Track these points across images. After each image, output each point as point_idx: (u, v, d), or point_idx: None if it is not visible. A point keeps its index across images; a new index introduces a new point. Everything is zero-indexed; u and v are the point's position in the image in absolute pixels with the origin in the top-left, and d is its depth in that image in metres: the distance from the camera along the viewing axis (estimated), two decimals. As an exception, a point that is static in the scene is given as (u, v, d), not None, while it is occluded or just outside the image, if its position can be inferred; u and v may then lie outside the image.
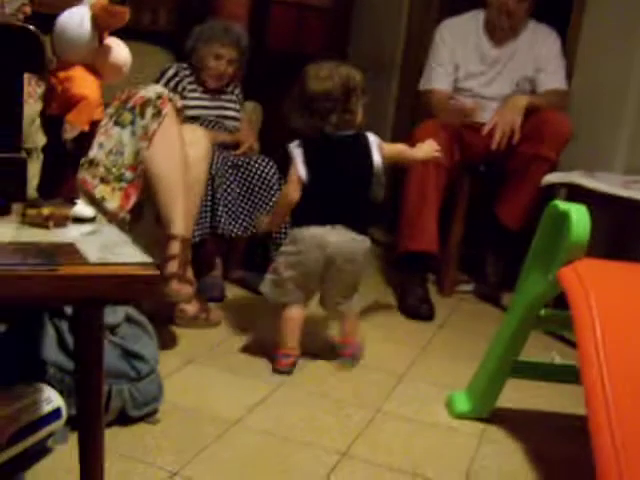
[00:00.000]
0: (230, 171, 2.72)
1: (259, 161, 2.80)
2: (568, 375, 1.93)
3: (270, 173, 2.78)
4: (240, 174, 2.75)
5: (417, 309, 2.78)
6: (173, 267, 2.04)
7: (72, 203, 1.29)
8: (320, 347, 2.34)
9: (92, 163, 1.96)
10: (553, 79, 3.03)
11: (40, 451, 1.50)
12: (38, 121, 1.41)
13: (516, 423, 1.96)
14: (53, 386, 1.53)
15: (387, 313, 2.80)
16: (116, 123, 2.00)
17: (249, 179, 2.75)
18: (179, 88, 2.86)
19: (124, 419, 1.67)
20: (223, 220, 2.60)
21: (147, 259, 1.10)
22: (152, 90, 2.04)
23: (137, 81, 2.74)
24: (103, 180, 1.96)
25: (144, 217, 2.18)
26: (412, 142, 2.69)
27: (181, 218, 2.06)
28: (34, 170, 1.38)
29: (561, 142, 2.83)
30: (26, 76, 1.32)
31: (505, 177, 2.97)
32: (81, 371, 1.21)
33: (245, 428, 1.76)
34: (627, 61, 3.12)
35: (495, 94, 3.05)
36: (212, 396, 1.91)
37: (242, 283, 2.87)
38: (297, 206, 2.13)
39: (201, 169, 2.28)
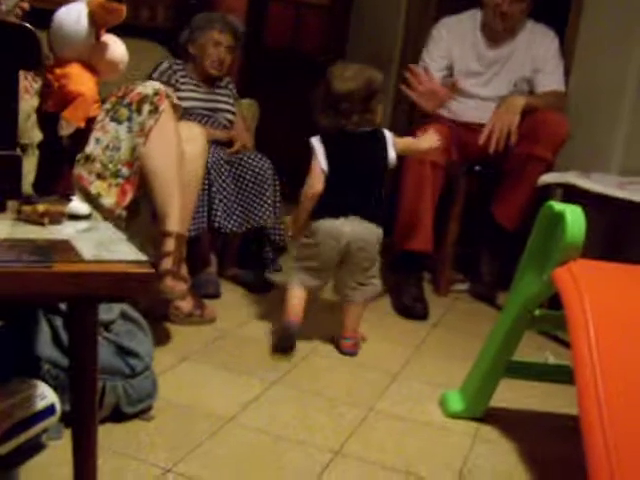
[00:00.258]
0: (225, 167, 2.73)
1: (253, 158, 2.81)
2: (562, 375, 1.94)
3: (264, 170, 2.79)
4: (234, 170, 2.76)
5: (411, 308, 2.79)
6: (168, 264, 2.04)
7: (67, 200, 1.29)
8: (318, 341, 2.35)
9: (88, 159, 1.96)
10: (551, 80, 3.02)
11: (34, 447, 1.50)
12: (34, 117, 1.41)
13: (510, 423, 1.96)
14: (47, 382, 1.53)
15: (382, 312, 2.80)
16: (113, 119, 2.00)
17: (243, 175, 2.76)
18: (172, 81, 2.86)
19: (118, 416, 1.67)
20: (219, 214, 2.61)
21: (142, 257, 1.10)
22: (149, 86, 2.04)
23: (134, 77, 2.75)
24: (99, 176, 1.97)
25: (140, 214, 2.18)
26: None
27: (176, 215, 2.06)
28: (30, 166, 1.37)
29: (557, 143, 2.83)
30: (22, 71, 1.32)
31: (501, 177, 2.97)
32: (75, 368, 1.21)
33: (239, 425, 1.76)
34: (624, 61, 3.13)
35: (493, 95, 3.04)
36: (206, 393, 1.91)
37: (237, 280, 2.87)
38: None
39: (198, 166, 2.29)
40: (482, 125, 2.88)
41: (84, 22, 1.27)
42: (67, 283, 1.01)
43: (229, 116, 3.01)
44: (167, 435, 1.67)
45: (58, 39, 1.29)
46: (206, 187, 2.60)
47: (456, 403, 1.97)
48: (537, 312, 1.82)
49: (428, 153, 2.55)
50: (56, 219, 1.21)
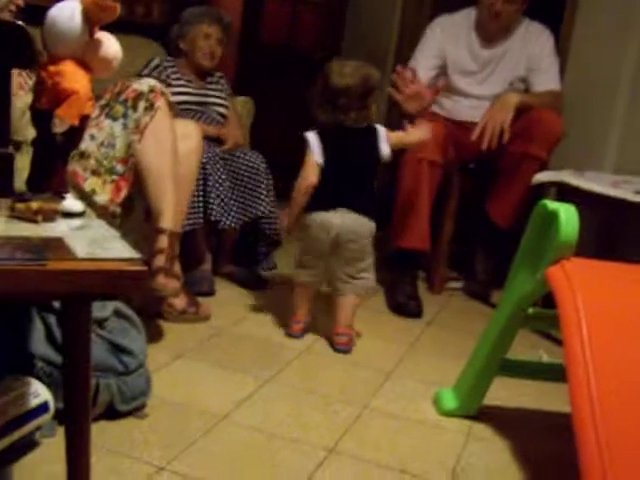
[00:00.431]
0: (221, 162, 2.74)
1: (247, 154, 2.82)
2: (555, 373, 1.94)
3: (258, 165, 2.79)
4: (228, 166, 2.77)
5: (405, 306, 2.79)
6: (160, 261, 2.04)
7: (61, 197, 1.29)
8: (312, 339, 2.35)
9: (83, 155, 1.96)
10: (546, 79, 3.01)
11: (27, 444, 1.49)
12: (29, 114, 1.40)
13: (503, 421, 1.97)
14: (41, 380, 1.53)
15: (376, 310, 2.80)
16: (108, 115, 2.00)
17: (237, 171, 2.77)
18: (162, 77, 2.86)
19: (112, 413, 1.67)
20: (215, 208, 2.62)
21: (136, 254, 1.10)
22: (145, 83, 2.04)
23: (129, 74, 2.75)
24: (94, 172, 1.96)
25: (135, 210, 2.18)
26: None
27: (170, 212, 2.06)
28: (23, 163, 1.37)
29: (552, 142, 2.83)
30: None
31: (496, 175, 2.97)
32: (69, 365, 1.20)
33: (233, 423, 1.77)
34: (618, 60, 3.13)
35: (488, 94, 3.03)
36: (200, 391, 1.91)
37: (231, 278, 2.87)
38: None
39: (192, 163, 2.28)
40: (477, 124, 2.88)
41: (78, 19, 1.27)
42: (61, 281, 1.01)
43: (222, 110, 3.01)
44: (161, 433, 1.67)
45: (52, 36, 1.29)
46: (202, 182, 2.61)
47: (450, 401, 1.97)
48: (531, 310, 1.82)
49: (420, 145, 2.57)
50: (50, 217, 1.21)
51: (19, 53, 1.17)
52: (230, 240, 2.93)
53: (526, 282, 1.75)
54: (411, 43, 3.68)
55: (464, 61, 3.09)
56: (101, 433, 1.60)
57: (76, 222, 1.25)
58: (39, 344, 1.57)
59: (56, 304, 1.59)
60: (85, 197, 1.88)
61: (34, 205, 1.20)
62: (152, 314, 2.28)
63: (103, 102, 2.02)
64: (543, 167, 2.82)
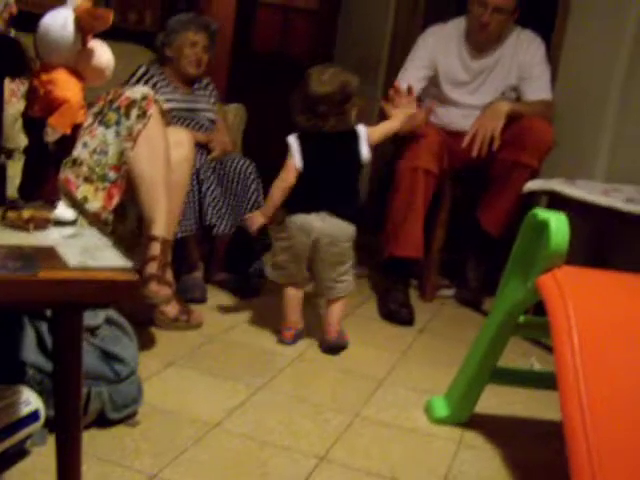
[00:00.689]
0: (212, 169, 2.75)
1: (237, 160, 2.83)
2: (546, 381, 1.94)
3: (247, 173, 2.81)
4: (217, 173, 2.78)
5: (397, 313, 2.79)
6: (152, 268, 2.04)
7: (53, 206, 1.29)
8: (304, 347, 2.35)
9: (76, 162, 1.96)
10: (537, 87, 3.02)
11: (18, 453, 1.49)
12: (21, 121, 1.40)
13: (494, 428, 1.97)
14: (32, 387, 1.53)
15: (368, 317, 2.81)
16: (101, 123, 2.01)
17: (227, 178, 2.79)
18: (149, 85, 2.86)
19: (103, 421, 1.67)
20: (210, 212, 2.64)
21: (127, 263, 1.10)
22: (138, 91, 2.04)
23: (122, 81, 2.76)
24: (87, 179, 1.97)
25: (127, 218, 2.18)
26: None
27: (163, 219, 2.06)
28: (16, 170, 1.37)
29: (543, 150, 2.84)
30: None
31: (487, 183, 2.98)
32: (60, 373, 1.20)
33: (224, 431, 1.76)
34: (609, 68, 3.14)
35: (480, 103, 3.03)
36: (192, 399, 1.91)
37: (224, 285, 2.87)
38: (290, 196, 2.33)
39: (185, 170, 2.29)
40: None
41: (70, 28, 1.27)
42: (52, 290, 1.01)
43: (210, 115, 3.02)
44: (152, 441, 1.66)
45: (44, 45, 1.29)
46: (195, 189, 2.62)
47: (441, 409, 1.97)
48: (522, 318, 1.83)
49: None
50: (41, 225, 1.21)
51: (11, 64, 1.17)
52: (222, 247, 2.93)
53: (517, 290, 1.76)
54: (403, 52, 3.69)
55: (455, 71, 3.09)
56: (92, 441, 1.59)
57: (68, 230, 1.25)
58: (30, 352, 1.57)
59: (48, 312, 1.58)
60: (77, 204, 1.88)
61: (26, 213, 1.20)
62: (144, 321, 2.28)
63: (96, 110, 2.02)
64: (534, 175, 2.83)
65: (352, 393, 2.09)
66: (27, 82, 1.39)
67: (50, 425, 1.51)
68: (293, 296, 2.41)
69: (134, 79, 2.88)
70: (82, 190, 1.96)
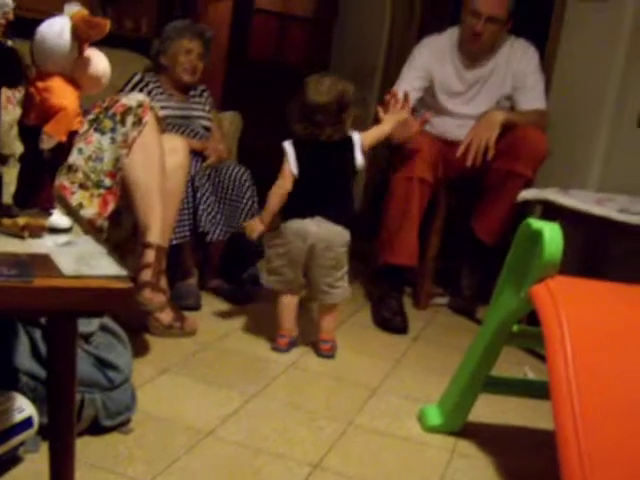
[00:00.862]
0: (207, 176, 2.76)
1: (232, 168, 2.84)
2: (540, 390, 1.95)
3: (242, 180, 2.82)
4: (212, 180, 2.80)
5: (391, 321, 2.80)
6: (147, 275, 2.04)
7: (48, 213, 1.29)
8: (298, 355, 2.35)
9: (71, 169, 1.97)
10: (531, 96, 3.02)
11: (10, 460, 1.49)
12: (16, 128, 1.41)
13: (487, 437, 1.97)
14: (25, 394, 1.53)
15: (362, 325, 2.81)
16: (96, 129, 2.01)
17: (222, 185, 2.80)
18: (144, 92, 2.87)
19: (96, 428, 1.66)
20: (204, 219, 2.65)
21: (122, 271, 1.10)
22: (133, 98, 2.05)
23: (118, 88, 2.76)
24: (82, 186, 1.97)
25: (122, 224, 2.18)
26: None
27: (158, 227, 2.07)
28: (11, 177, 1.37)
29: (537, 160, 2.84)
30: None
31: (481, 192, 2.99)
32: (53, 380, 1.20)
33: (218, 439, 1.76)
34: (603, 77, 3.15)
35: (475, 113, 3.03)
36: (186, 406, 1.91)
37: (218, 292, 2.87)
38: (286, 201, 2.35)
39: (180, 178, 2.30)
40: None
41: (67, 36, 1.27)
42: (46, 298, 1.02)
43: (205, 123, 3.03)
44: (146, 448, 1.66)
45: (41, 52, 1.29)
46: (190, 196, 2.62)
47: (434, 418, 1.97)
48: (516, 328, 1.83)
49: (408, 179, 2.63)
50: (36, 233, 1.21)
51: (8, 72, 1.17)
52: (217, 254, 2.93)
53: (511, 300, 1.76)
54: (399, 60, 3.71)
55: (450, 82, 3.10)
56: (85, 448, 1.59)
57: (63, 238, 1.25)
58: (24, 358, 1.57)
59: (42, 319, 1.58)
60: (72, 211, 1.88)
61: (21, 221, 1.20)
62: (138, 328, 2.28)
63: (92, 116, 2.03)
64: (528, 185, 2.84)
65: (346, 401, 2.09)
66: (23, 89, 1.39)
67: (43, 432, 1.51)
68: (288, 303, 2.41)
69: (129, 87, 2.89)
70: (77, 196, 1.96)
